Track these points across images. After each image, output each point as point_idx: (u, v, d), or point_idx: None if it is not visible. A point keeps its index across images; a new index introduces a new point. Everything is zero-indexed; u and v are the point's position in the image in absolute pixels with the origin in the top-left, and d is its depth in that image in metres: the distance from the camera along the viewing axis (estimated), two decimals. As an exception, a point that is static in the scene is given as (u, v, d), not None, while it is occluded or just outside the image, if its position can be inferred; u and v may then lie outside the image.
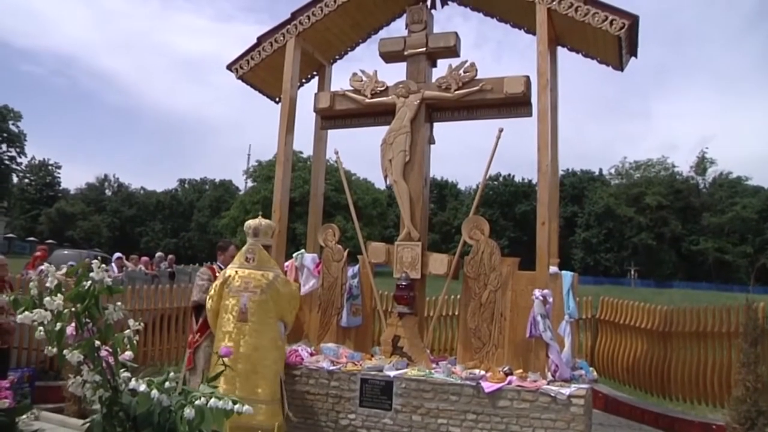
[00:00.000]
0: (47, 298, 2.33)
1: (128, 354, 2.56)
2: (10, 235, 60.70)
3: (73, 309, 2.41)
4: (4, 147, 53.36)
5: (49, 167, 74.45)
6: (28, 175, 71.51)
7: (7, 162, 54.19)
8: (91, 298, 2.39)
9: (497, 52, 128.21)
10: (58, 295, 2.38)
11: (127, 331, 2.55)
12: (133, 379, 2.35)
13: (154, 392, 2.26)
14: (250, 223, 5.98)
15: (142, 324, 2.59)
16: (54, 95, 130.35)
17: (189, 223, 71.95)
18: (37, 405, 6.66)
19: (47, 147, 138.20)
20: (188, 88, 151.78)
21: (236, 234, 48.88)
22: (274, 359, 5.29)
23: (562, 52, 7.07)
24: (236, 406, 2.15)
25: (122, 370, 2.47)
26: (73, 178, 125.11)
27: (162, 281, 13.65)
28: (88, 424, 2.41)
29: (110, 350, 2.46)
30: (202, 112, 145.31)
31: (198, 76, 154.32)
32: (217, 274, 6.13)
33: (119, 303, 2.55)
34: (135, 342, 2.54)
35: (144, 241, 69.75)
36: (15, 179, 60.32)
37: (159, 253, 18.34)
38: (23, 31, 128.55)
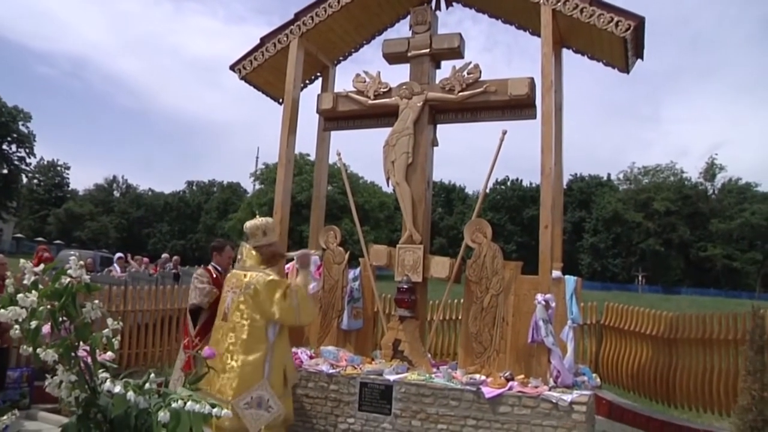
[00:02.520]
0: (20, 295, 2.27)
1: (109, 354, 2.50)
2: (19, 235, 61.03)
3: (49, 307, 2.35)
4: (13, 147, 53.54)
5: (58, 168, 74.80)
6: (37, 175, 71.82)
7: (16, 162, 54.39)
8: (68, 296, 2.33)
9: (507, 55, 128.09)
10: (33, 291, 2.32)
11: (106, 330, 2.49)
12: (109, 380, 2.28)
13: (130, 394, 2.20)
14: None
15: (120, 324, 2.53)
16: (67, 97, 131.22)
17: (196, 225, 72.04)
18: (36, 405, 6.67)
19: (57, 148, 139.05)
20: (198, 90, 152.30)
21: (242, 236, 48.90)
22: (245, 361, 4.98)
23: (567, 54, 7.00)
24: (215, 410, 2.09)
25: (101, 370, 2.41)
26: (81, 179, 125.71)
27: (166, 282, 13.63)
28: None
29: (88, 350, 2.39)
30: (211, 114, 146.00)
31: (208, 78, 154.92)
32: (215, 276, 6.02)
33: (97, 301, 2.48)
34: (114, 342, 2.48)
35: (151, 242, 69.96)
36: (24, 180, 60.57)
37: (164, 255, 18.37)
38: (40, 34, 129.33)
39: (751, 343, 5.52)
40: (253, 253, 5.34)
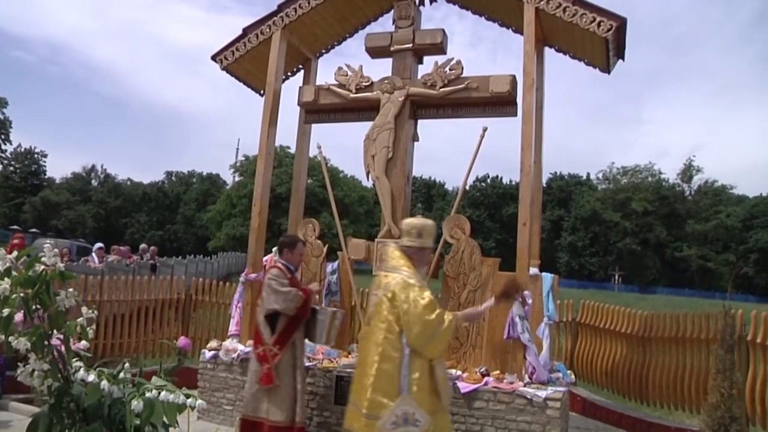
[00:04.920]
0: (-8, 283, 2.25)
1: (83, 343, 2.48)
2: (-7, 222, 60.12)
3: (22, 294, 2.32)
4: (-12, 134, 52.79)
5: (35, 155, 73.69)
6: (13, 162, 70.73)
7: (-9, 149, 53.64)
8: (41, 284, 2.30)
9: (492, 52, 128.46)
10: (6, 279, 2.29)
11: (80, 319, 2.47)
12: (83, 369, 2.25)
13: (104, 383, 2.18)
14: None
15: (95, 312, 2.50)
16: (44, 83, 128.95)
17: (175, 216, 71.50)
18: (8, 395, 6.58)
19: (34, 135, 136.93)
20: (180, 79, 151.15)
21: (221, 228, 48.72)
22: (378, 370, 4.26)
23: (549, 53, 7.04)
24: (189, 400, 2.08)
25: (75, 359, 2.39)
26: (59, 167, 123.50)
27: (143, 273, 13.53)
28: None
29: (62, 338, 2.37)
30: (192, 105, 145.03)
31: (190, 68, 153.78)
32: (289, 277, 5.47)
33: (71, 289, 2.45)
34: (88, 331, 2.46)
35: (129, 232, 69.25)
36: (-1, 167, 59.71)
37: (142, 245, 18.23)
38: (16, 17, 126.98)
39: (721, 342, 5.63)
40: (398, 253, 4.60)
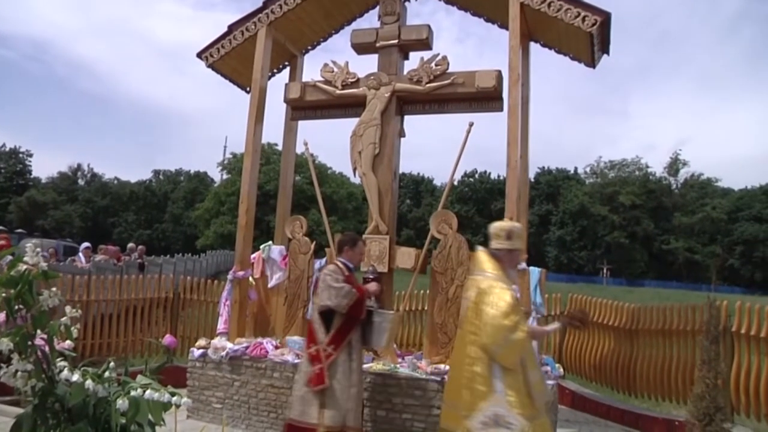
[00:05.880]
0: (-30, 283, 2.23)
1: (68, 343, 2.47)
2: (-22, 223, 59.50)
3: (4, 294, 2.30)
4: (-28, 133, 52.28)
5: (20, 155, 73.07)
6: (-3, 162, 70.20)
7: (-25, 149, 53.12)
8: (24, 284, 2.28)
9: (479, 47, 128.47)
10: (-15, 279, 2.28)
11: (64, 318, 2.45)
12: (67, 368, 2.24)
13: (89, 382, 2.17)
14: None
15: (79, 311, 2.49)
16: (28, 81, 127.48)
17: (163, 215, 71.17)
18: (-6, 397, 6.52)
19: (19, 134, 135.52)
20: (166, 77, 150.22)
21: (210, 226, 48.54)
22: (472, 372, 4.20)
23: (535, 48, 7.07)
24: (174, 398, 2.07)
25: (59, 359, 2.37)
26: (44, 167, 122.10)
27: (131, 272, 13.48)
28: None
29: (45, 338, 2.35)
30: (179, 102, 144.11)
31: (176, 65, 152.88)
32: (347, 274, 5.23)
33: (54, 289, 2.43)
34: (73, 330, 2.44)
35: (117, 231, 68.81)
36: (-16, 167, 59.18)
37: (130, 244, 18.16)
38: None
39: (706, 334, 5.69)
40: (485, 257, 4.52)
